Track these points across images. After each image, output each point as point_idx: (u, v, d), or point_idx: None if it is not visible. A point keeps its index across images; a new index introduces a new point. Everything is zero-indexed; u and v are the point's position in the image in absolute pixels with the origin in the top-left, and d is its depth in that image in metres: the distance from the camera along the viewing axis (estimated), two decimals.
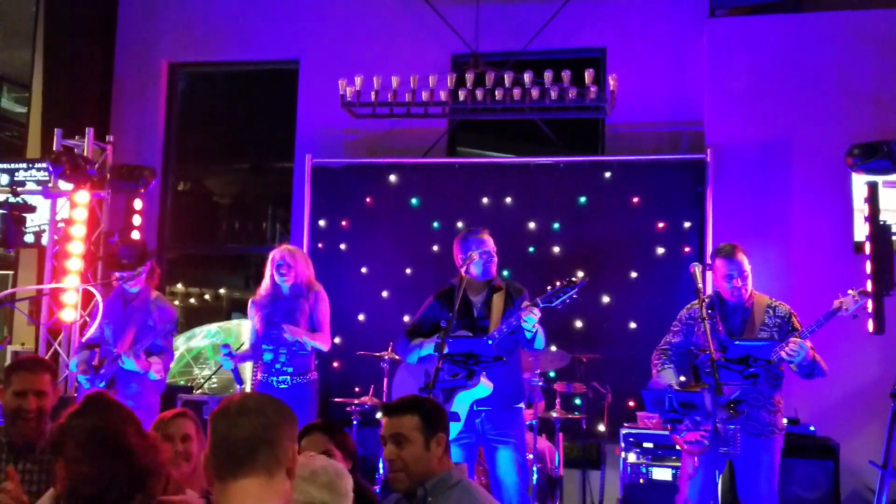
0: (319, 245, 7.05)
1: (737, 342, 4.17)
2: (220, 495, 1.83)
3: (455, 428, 4.16)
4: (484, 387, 4.31)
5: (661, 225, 6.47)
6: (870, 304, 5.49)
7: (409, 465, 2.75)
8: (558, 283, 4.32)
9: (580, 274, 4.32)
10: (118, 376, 5.26)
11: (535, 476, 5.29)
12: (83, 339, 5.63)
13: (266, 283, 5.43)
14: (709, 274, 4.83)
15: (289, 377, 5.22)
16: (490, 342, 4.30)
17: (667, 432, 4.41)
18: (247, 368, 6.81)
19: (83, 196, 6.85)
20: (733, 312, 4.41)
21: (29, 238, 7.23)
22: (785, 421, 4.55)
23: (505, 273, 5.95)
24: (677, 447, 4.40)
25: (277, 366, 5.24)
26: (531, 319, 4.27)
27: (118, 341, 5.33)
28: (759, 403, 4.26)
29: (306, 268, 5.43)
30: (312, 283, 5.43)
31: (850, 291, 4.35)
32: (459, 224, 6.62)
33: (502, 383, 4.41)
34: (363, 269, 6.97)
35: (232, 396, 1.96)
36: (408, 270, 6.86)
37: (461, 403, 4.34)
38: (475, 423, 4.42)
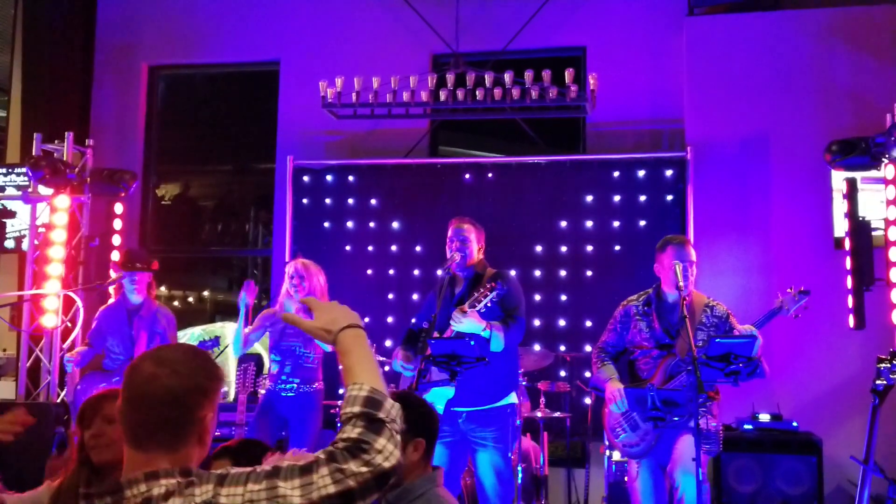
0: (301, 247, 7.02)
1: (717, 340, 4.16)
2: (127, 453, 1.81)
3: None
4: (443, 389, 4.29)
5: (642, 223, 6.50)
6: (850, 300, 5.54)
7: None
8: (482, 289, 4.24)
9: (498, 281, 4.25)
10: None
11: (520, 476, 5.29)
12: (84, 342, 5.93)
13: (283, 295, 5.48)
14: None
15: (295, 385, 5.34)
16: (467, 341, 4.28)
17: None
18: (230, 372, 6.78)
19: (63, 201, 6.79)
20: (671, 310, 4.38)
21: (9, 243, 7.20)
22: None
23: None
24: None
25: (283, 377, 5.36)
26: (458, 326, 4.21)
27: (132, 352, 5.60)
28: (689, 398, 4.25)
29: (320, 281, 5.42)
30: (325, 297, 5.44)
31: (788, 290, 4.34)
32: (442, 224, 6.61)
33: (480, 382, 4.31)
34: (346, 271, 6.95)
35: (146, 359, 1.84)
36: (391, 271, 6.85)
37: (434, 403, 4.32)
38: (458, 424, 4.39)
